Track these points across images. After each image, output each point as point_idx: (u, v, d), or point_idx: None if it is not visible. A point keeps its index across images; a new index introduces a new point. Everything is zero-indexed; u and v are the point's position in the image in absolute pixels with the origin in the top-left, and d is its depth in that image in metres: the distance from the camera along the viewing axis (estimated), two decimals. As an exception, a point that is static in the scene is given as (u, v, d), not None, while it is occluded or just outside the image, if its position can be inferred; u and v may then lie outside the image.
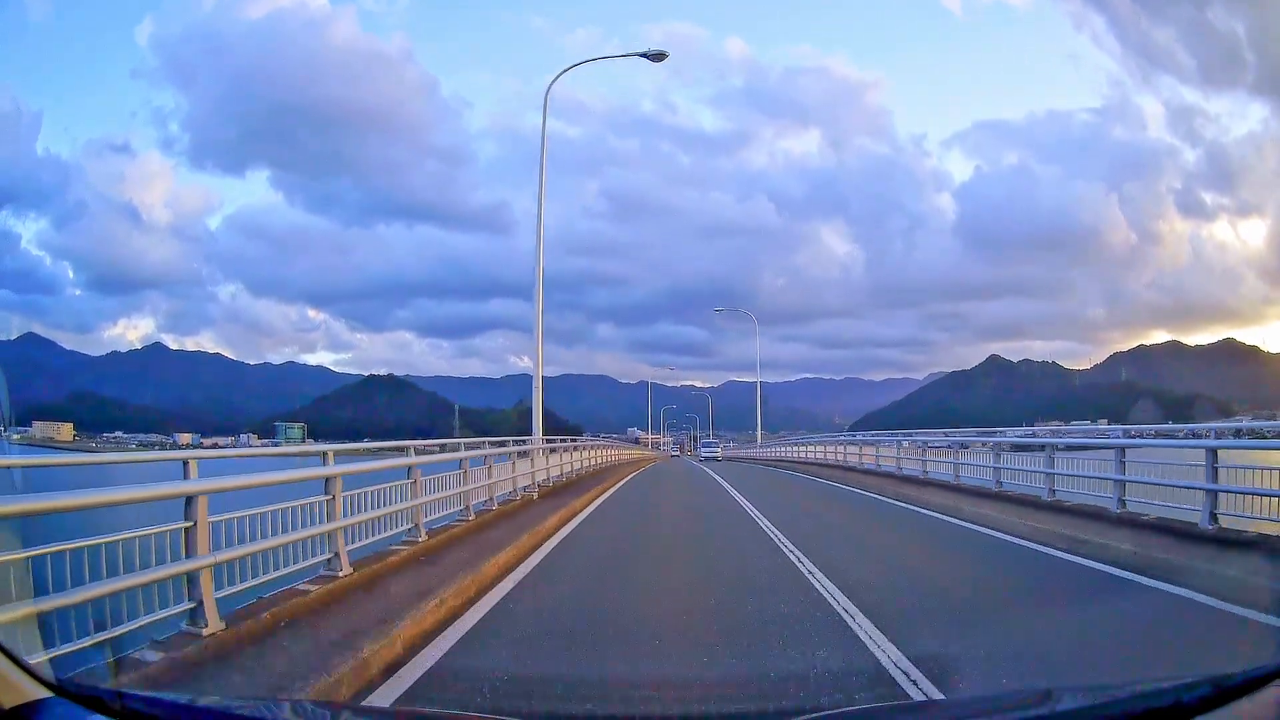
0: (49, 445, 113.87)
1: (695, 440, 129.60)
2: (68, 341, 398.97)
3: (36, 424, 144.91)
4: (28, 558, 3.44)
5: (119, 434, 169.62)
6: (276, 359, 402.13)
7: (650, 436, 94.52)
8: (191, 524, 4.37)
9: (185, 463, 4.54)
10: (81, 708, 1.80)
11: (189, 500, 4.39)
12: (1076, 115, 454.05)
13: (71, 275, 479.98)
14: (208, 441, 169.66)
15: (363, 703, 3.78)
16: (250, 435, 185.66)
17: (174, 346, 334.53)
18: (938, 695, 3.72)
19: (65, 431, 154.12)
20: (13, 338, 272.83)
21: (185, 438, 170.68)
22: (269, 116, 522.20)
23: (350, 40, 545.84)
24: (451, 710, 3.90)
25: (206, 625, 4.29)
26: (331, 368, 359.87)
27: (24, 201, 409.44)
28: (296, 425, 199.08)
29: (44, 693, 1.78)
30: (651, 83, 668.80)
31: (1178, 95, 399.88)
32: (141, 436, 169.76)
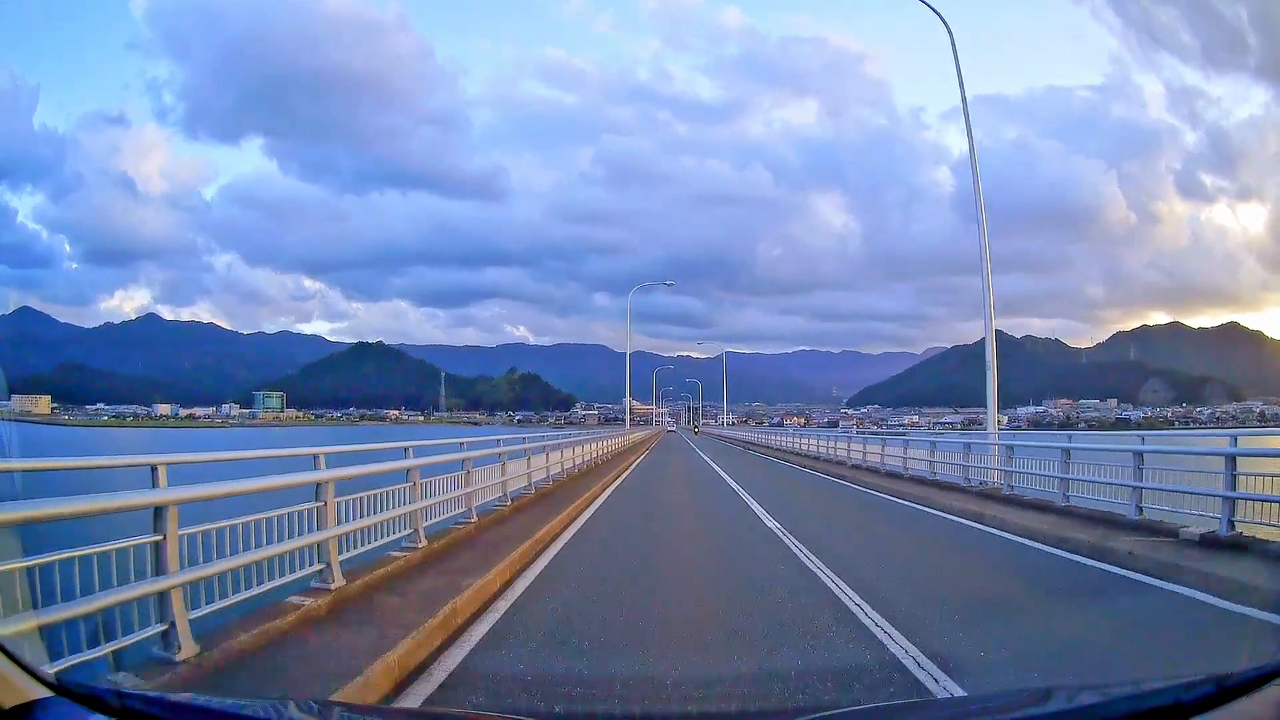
0: (25, 419, 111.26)
1: (695, 412, 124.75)
2: (63, 314, 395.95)
3: (15, 398, 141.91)
4: None
5: (101, 405, 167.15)
6: (271, 328, 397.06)
7: (642, 407, 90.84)
8: None
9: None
10: (82, 707, 1.76)
11: None
12: (1076, 92, 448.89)
13: (68, 248, 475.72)
14: (185, 412, 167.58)
15: (369, 703, 3.58)
16: (233, 405, 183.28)
17: (169, 317, 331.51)
18: None
19: (42, 405, 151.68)
20: (8, 312, 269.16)
21: (164, 408, 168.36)
22: (263, 84, 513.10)
23: (345, 6, 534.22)
24: (455, 710, 3.77)
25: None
26: (327, 337, 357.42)
27: (20, 175, 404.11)
28: (275, 394, 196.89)
29: (44, 692, 1.74)
30: (648, 51, 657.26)
31: (1179, 76, 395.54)
32: (122, 408, 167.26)
